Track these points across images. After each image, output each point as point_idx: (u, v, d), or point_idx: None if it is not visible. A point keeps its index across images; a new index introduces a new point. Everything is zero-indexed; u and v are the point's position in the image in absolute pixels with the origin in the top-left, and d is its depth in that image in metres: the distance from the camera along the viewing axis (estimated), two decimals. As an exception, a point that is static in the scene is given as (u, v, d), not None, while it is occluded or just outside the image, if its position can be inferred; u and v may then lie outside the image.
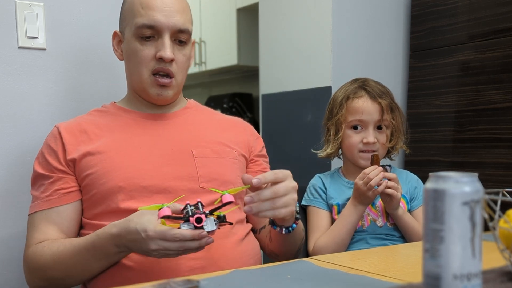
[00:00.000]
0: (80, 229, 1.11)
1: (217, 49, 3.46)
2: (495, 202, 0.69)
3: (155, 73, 1.12)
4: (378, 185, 1.23)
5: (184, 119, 1.21)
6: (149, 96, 1.15)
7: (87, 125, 1.14)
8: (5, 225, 1.30)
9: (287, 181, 0.92)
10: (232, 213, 1.08)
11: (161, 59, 1.10)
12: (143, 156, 1.09)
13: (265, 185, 0.91)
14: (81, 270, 1.00)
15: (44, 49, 1.34)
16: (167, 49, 1.09)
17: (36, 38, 1.33)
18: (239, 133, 1.24)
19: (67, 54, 1.38)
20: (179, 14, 1.11)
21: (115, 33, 1.20)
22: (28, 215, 1.11)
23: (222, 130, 1.22)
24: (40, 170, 1.11)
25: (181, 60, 1.14)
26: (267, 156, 1.31)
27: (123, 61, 1.20)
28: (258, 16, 2.31)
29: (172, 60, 1.11)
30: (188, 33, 1.14)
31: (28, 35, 1.31)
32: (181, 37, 1.13)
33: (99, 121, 1.16)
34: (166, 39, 1.10)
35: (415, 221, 1.31)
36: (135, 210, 0.98)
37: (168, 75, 1.13)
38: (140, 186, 1.05)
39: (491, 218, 0.68)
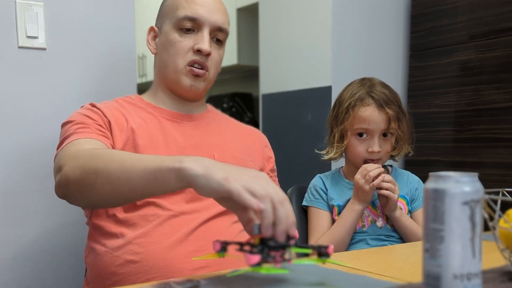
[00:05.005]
0: (92, 216, 1.09)
1: (217, 49, 3.46)
2: (495, 202, 0.69)
3: (191, 65, 1.14)
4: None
5: (207, 122, 1.22)
6: (181, 87, 1.16)
7: (119, 107, 1.14)
8: (5, 225, 1.29)
9: None
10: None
11: (198, 51, 1.13)
12: (173, 154, 1.09)
13: None
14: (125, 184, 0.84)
15: (44, 49, 1.34)
16: (206, 42, 1.13)
17: (36, 38, 1.33)
18: (255, 143, 1.26)
19: (67, 54, 1.38)
20: (220, 13, 1.16)
21: (151, 28, 1.23)
22: (63, 147, 1.00)
23: (240, 138, 1.23)
24: (80, 119, 1.06)
25: (215, 58, 1.17)
26: (276, 169, 1.32)
27: (149, 60, 1.21)
28: (258, 16, 2.31)
29: (208, 54, 1.14)
30: (226, 33, 1.18)
31: (28, 35, 1.31)
32: (219, 35, 1.17)
33: (128, 108, 1.15)
34: (206, 33, 1.13)
35: (413, 223, 1.31)
36: (149, 204, 1.02)
37: (203, 68, 1.15)
38: None
39: (491, 218, 0.68)
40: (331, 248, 0.73)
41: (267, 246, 0.68)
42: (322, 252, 0.72)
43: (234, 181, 0.69)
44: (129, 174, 0.82)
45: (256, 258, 0.66)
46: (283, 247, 0.69)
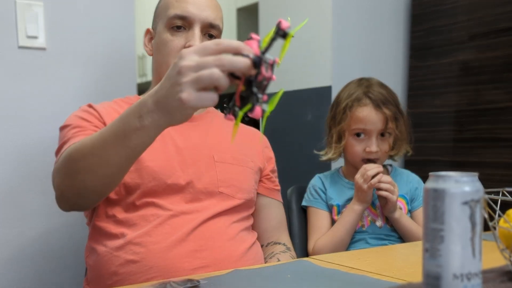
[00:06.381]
0: (92, 217, 1.09)
1: (217, 49, 3.45)
2: (495, 201, 0.70)
3: None
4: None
5: (207, 122, 1.22)
6: None
7: (118, 107, 1.14)
8: (5, 225, 1.30)
9: None
10: (242, 218, 1.10)
11: None
12: (171, 154, 1.09)
13: None
14: (100, 160, 0.86)
15: (44, 49, 1.34)
16: (197, 39, 1.12)
17: (36, 38, 1.33)
18: (255, 144, 1.26)
19: (67, 54, 1.38)
20: (211, 9, 1.15)
21: (147, 30, 1.23)
22: (61, 154, 0.99)
23: (240, 139, 1.23)
24: (77, 122, 1.07)
25: None
26: (276, 169, 1.31)
27: (147, 61, 1.21)
28: (258, 16, 2.31)
29: None
30: (218, 29, 1.17)
31: (28, 35, 1.31)
32: (211, 31, 1.16)
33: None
34: (197, 31, 1.13)
35: (413, 223, 1.31)
36: (149, 204, 1.02)
37: None
38: (165, 183, 1.05)
39: (491, 218, 0.68)
40: (284, 23, 0.71)
41: (249, 86, 0.74)
42: (279, 32, 0.72)
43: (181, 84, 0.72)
44: (102, 135, 0.84)
45: (231, 117, 0.73)
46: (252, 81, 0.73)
